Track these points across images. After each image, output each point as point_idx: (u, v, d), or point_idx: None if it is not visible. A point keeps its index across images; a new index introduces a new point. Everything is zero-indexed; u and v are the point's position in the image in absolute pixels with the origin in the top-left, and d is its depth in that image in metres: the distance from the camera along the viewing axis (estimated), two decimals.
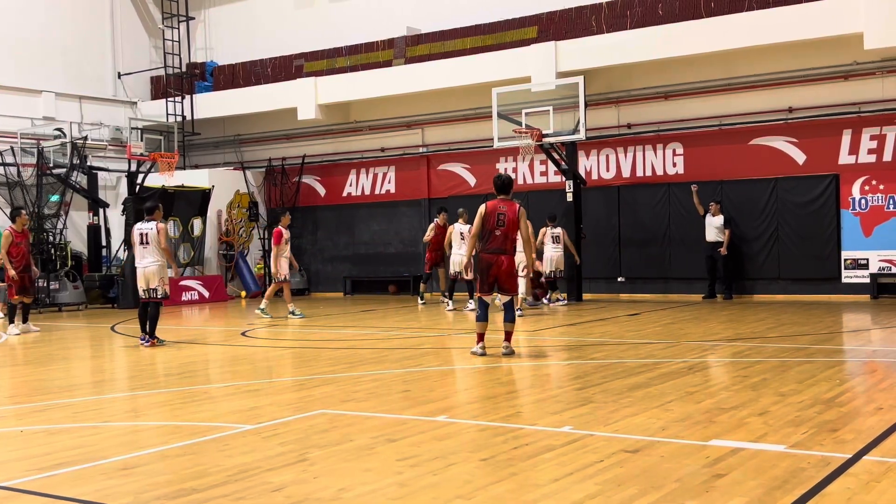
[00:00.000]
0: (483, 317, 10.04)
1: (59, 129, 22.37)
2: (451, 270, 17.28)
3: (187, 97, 24.38)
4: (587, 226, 18.54)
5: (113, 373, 10.54)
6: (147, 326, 12.21)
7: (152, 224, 12.29)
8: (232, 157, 24.94)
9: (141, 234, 12.33)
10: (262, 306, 16.41)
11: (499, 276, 10.03)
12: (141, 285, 12.27)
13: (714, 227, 17.68)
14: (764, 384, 7.70)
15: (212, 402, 7.83)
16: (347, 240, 23.32)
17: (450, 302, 17.24)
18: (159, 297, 12.27)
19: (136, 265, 12.46)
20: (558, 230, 17.29)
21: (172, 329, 15.71)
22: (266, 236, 24.20)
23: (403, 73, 21.17)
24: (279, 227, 16.51)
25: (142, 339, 12.28)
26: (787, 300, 17.20)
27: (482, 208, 10.09)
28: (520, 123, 17.85)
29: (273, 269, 16.47)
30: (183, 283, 21.61)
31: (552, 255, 17.16)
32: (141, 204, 20.91)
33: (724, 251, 17.53)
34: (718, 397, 7.18)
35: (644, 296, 18.45)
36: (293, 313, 16.29)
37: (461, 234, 16.91)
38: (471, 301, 17.26)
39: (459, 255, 17.12)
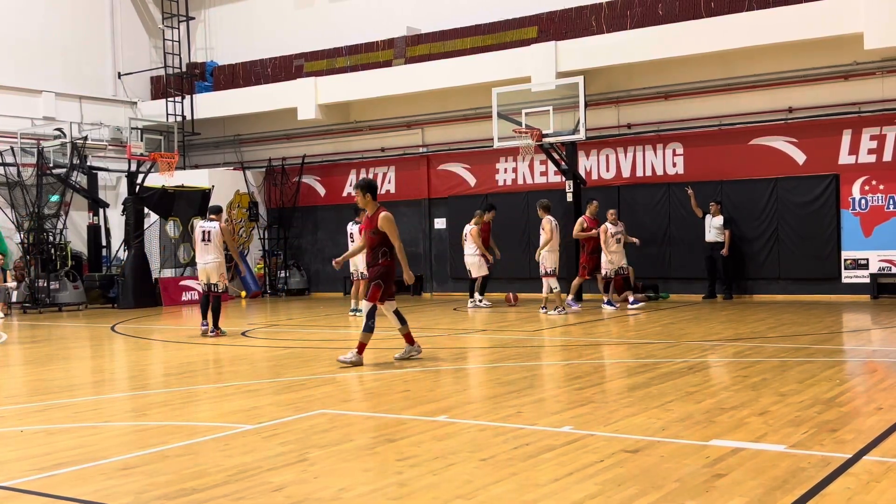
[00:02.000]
0: (373, 327, 9.59)
1: (59, 129, 22.37)
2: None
3: (187, 97, 24.38)
4: None
5: (113, 373, 10.54)
6: (209, 315, 13.38)
7: (215, 223, 13.37)
8: (232, 157, 24.94)
9: (203, 232, 13.35)
10: (354, 307, 16.27)
11: None
12: (202, 279, 13.47)
13: (714, 227, 17.67)
14: (764, 384, 7.70)
15: (212, 402, 7.84)
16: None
17: (482, 300, 17.49)
18: (220, 291, 13.40)
19: (196, 261, 13.60)
20: (620, 227, 16.51)
21: (173, 329, 15.72)
22: (266, 236, 24.22)
23: (403, 73, 21.17)
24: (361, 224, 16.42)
25: (203, 325, 13.39)
26: (787, 300, 17.20)
27: (390, 216, 9.64)
28: (520, 123, 17.85)
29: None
30: (183, 283, 21.63)
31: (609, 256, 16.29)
32: (141, 204, 21.08)
33: (725, 252, 17.50)
34: (718, 397, 7.18)
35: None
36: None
37: (470, 234, 17.57)
38: (478, 298, 17.45)
39: (472, 257, 17.40)
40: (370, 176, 23.02)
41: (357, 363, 9.47)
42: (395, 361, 9.78)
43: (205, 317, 13.46)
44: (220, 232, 13.34)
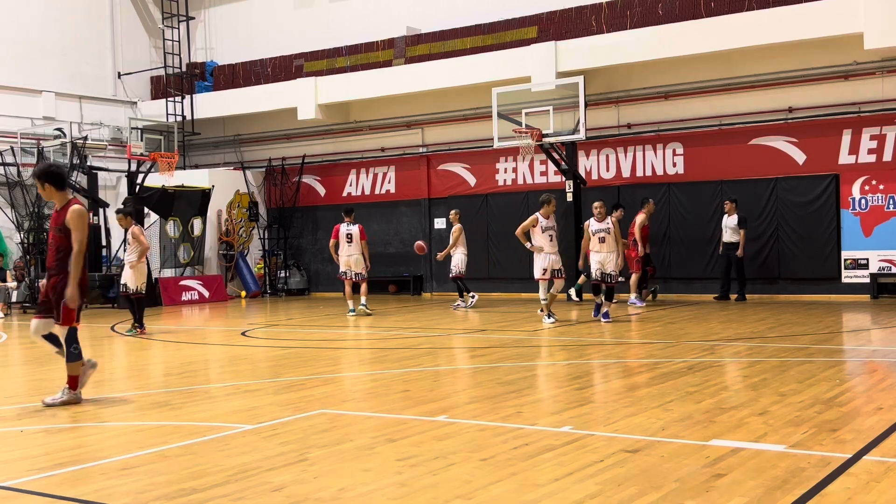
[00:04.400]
0: (79, 353, 7.68)
1: (59, 129, 22.38)
2: (458, 271, 17.57)
3: (187, 97, 24.38)
4: None
5: (113, 373, 10.53)
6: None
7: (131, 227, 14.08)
8: (232, 157, 24.94)
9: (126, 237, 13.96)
10: (352, 307, 16.31)
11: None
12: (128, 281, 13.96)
13: (729, 227, 17.28)
14: (764, 384, 7.70)
15: (212, 402, 7.83)
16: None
17: (470, 298, 17.54)
18: (134, 291, 14.10)
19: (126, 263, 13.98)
20: (605, 223, 14.06)
21: (173, 329, 15.72)
22: (266, 236, 24.22)
23: (403, 73, 21.18)
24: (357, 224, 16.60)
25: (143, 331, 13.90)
26: (787, 300, 17.20)
27: (83, 210, 7.68)
28: (520, 123, 17.85)
29: (365, 265, 16.42)
30: (183, 282, 21.64)
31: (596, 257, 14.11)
32: (141, 204, 21.08)
33: (740, 253, 17.09)
34: (718, 397, 7.18)
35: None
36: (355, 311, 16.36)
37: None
38: (460, 301, 17.52)
39: (463, 256, 17.50)
40: (370, 176, 23.03)
41: (73, 401, 7.58)
42: (42, 406, 7.58)
43: (138, 320, 13.97)
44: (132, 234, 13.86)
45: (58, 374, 9.97)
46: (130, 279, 13.88)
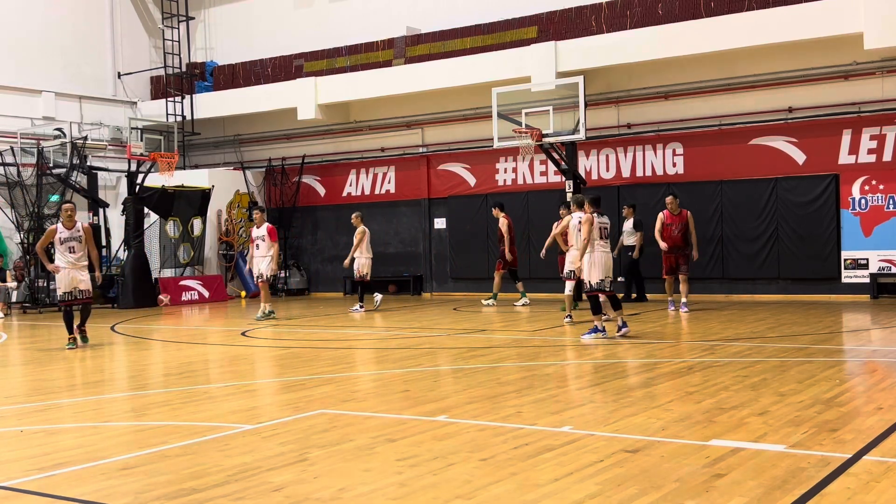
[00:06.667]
0: None
1: (59, 129, 22.38)
2: (360, 273, 17.36)
3: (187, 97, 24.38)
4: None
5: (113, 373, 10.54)
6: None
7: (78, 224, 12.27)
8: (232, 157, 24.94)
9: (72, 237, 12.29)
10: (270, 310, 16.33)
11: None
12: (69, 287, 12.09)
13: (626, 230, 17.65)
14: (764, 384, 7.70)
15: (212, 402, 7.84)
16: (347, 240, 23.23)
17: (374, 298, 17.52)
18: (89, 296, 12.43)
19: (63, 267, 12.20)
20: (605, 219, 12.14)
21: (173, 329, 15.71)
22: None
23: (403, 73, 21.17)
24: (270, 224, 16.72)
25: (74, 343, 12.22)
26: (787, 300, 17.20)
27: None
28: (520, 123, 17.84)
29: (272, 269, 16.54)
30: (183, 282, 21.64)
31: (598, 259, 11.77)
32: (141, 204, 21.08)
33: (636, 255, 17.33)
34: (718, 397, 7.18)
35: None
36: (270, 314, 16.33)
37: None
38: (360, 305, 17.33)
39: (367, 259, 17.28)
40: (370, 176, 23.02)
41: None
42: None
43: (72, 331, 12.26)
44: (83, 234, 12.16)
45: (58, 374, 9.98)
46: (86, 282, 12.12)
